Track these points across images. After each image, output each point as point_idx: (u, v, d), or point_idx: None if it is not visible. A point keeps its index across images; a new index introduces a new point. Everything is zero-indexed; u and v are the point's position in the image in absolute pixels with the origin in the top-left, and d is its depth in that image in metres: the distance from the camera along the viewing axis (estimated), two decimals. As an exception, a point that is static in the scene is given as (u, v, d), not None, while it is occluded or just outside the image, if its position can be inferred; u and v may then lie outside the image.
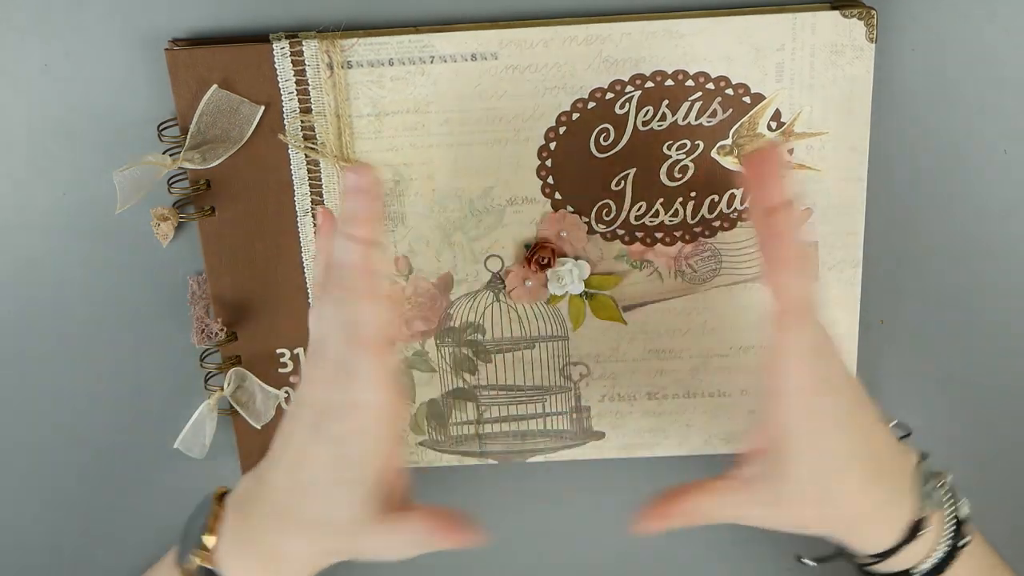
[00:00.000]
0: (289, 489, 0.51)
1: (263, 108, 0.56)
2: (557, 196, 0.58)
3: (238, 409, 0.61)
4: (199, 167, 0.57)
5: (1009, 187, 0.59)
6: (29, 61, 0.57)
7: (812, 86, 0.56)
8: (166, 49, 0.55)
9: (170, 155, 0.57)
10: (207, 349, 0.61)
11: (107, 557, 0.67)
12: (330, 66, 0.56)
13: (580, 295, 0.60)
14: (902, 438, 0.55)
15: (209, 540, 0.52)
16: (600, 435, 0.63)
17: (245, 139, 0.57)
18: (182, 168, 0.57)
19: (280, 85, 0.56)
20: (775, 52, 0.55)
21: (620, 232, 0.59)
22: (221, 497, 0.53)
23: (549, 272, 0.59)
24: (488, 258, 0.59)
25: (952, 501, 0.53)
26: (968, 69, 0.57)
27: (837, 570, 0.58)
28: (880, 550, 0.53)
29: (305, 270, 0.59)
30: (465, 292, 0.60)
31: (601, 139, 0.57)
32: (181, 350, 0.62)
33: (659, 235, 0.59)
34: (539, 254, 0.59)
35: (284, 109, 0.56)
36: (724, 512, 0.53)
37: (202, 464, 0.63)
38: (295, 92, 0.56)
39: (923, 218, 0.59)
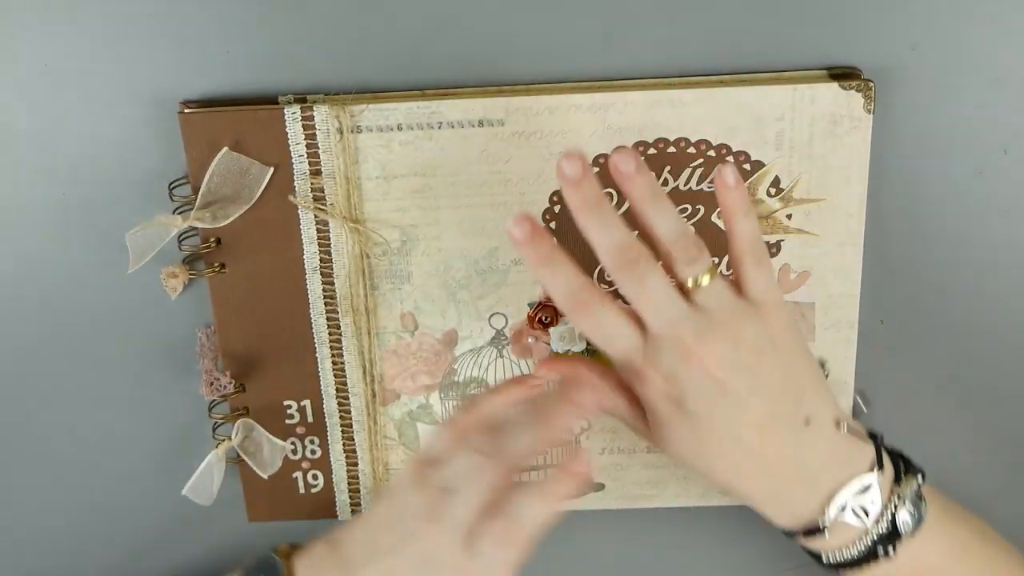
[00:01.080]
0: None
1: (272, 169, 0.57)
2: (560, 257, 0.59)
3: (245, 459, 0.63)
4: (209, 226, 0.58)
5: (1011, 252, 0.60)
6: (29, 61, 0.58)
7: (811, 155, 0.57)
8: (179, 112, 0.56)
9: (180, 213, 0.58)
10: (215, 400, 0.62)
11: (114, 599, 0.68)
12: (340, 131, 0.57)
13: (582, 352, 0.61)
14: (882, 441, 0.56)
15: None
16: (600, 486, 0.64)
17: (255, 199, 0.58)
18: (193, 227, 0.58)
19: (291, 148, 0.57)
20: (775, 122, 0.56)
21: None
22: (288, 557, 0.54)
23: (552, 331, 0.60)
24: (492, 316, 0.61)
25: (892, 513, 0.53)
26: (965, 140, 0.58)
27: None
28: (779, 527, 0.55)
29: (312, 326, 0.61)
30: (469, 348, 0.61)
31: (604, 203, 0.58)
32: (190, 399, 0.63)
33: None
34: (542, 313, 0.60)
35: (294, 171, 0.57)
36: (626, 423, 0.55)
37: (208, 511, 0.64)
38: (305, 155, 0.57)
39: (923, 218, 0.60)
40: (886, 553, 0.54)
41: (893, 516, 0.53)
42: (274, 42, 0.57)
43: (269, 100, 0.57)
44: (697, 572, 0.68)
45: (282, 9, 0.56)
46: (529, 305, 0.60)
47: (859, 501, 0.53)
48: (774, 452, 0.52)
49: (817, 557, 0.56)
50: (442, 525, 0.49)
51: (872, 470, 0.53)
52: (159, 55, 0.57)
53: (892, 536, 0.54)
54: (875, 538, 0.53)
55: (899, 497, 0.54)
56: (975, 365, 0.63)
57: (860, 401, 0.62)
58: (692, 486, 0.64)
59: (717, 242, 0.59)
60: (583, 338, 0.60)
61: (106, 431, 0.65)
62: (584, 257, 0.59)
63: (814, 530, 0.54)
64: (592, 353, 0.61)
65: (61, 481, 0.66)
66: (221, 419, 0.63)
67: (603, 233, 0.49)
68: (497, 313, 0.61)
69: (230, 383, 0.61)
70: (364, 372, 0.61)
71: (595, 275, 0.59)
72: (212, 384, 0.62)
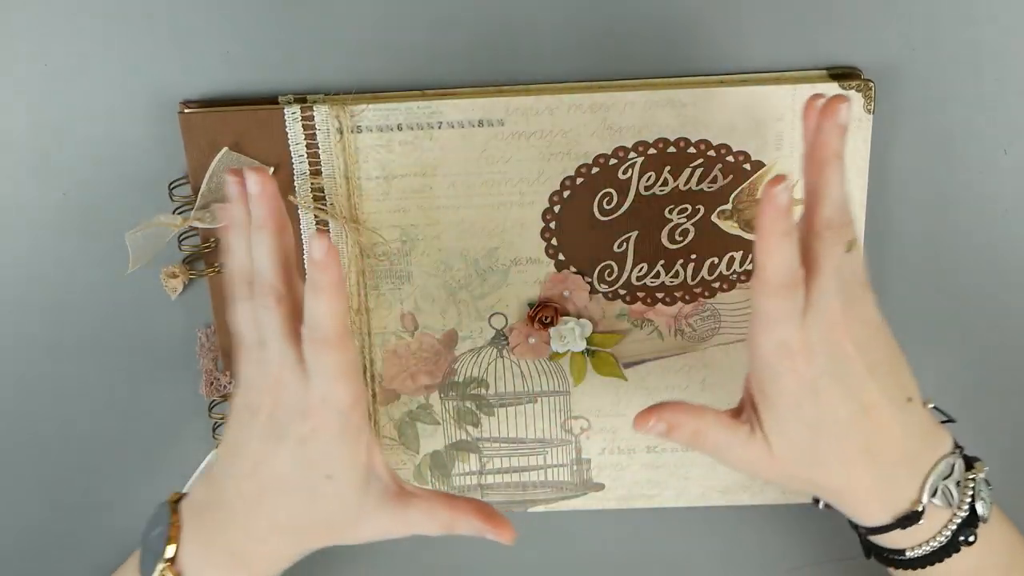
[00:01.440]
0: (254, 495, 0.51)
1: (272, 170, 0.57)
2: (560, 257, 0.59)
3: (245, 459, 0.63)
4: (209, 226, 0.58)
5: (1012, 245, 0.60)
6: (29, 61, 0.57)
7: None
8: (180, 113, 0.56)
9: (180, 213, 0.58)
10: (215, 400, 0.62)
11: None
12: (340, 131, 0.57)
13: (582, 352, 0.61)
14: (944, 422, 0.55)
15: (170, 549, 0.52)
16: (600, 487, 0.64)
17: (255, 199, 0.58)
18: (193, 227, 0.58)
19: (291, 148, 0.57)
20: (775, 122, 0.56)
21: (622, 292, 0.60)
22: (176, 503, 0.54)
23: (552, 330, 0.60)
24: (492, 316, 0.61)
25: (971, 498, 0.53)
26: (965, 140, 0.58)
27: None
28: (869, 525, 0.53)
29: (313, 326, 0.61)
30: (469, 348, 0.61)
31: (604, 203, 0.58)
32: (190, 399, 0.63)
33: (660, 295, 0.60)
34: (542, 313, 0.60)
35: (294, 171, 0.57)
36: (718, 443, 0.53)
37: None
38: (305, 155, 0.57)
39: (923, 218, 0.60)
40: (966, 540, 0.53)
41: (972, 501, 0.53)
42: (274, 42, 0.57)
43: (269, 100, 0.57)
44: (697, 572, 0.68)
45: (282, 9, 0.56)
46: (529, 305, 0.60)
47: (946, 484, 0.53)
48: (885, 433, 0.52)
49: (891, 561, 0.55)
50: (271, 371, 0.50)
51: (955, 451, 0.53)
52: (159, 55, 0.57)
53: (971, 523, 0.53)
54: (958, 524, 0.52)
55: (974, 481, 0.53)
56: (975, 364, 0.63)
57: None
58: (692, 486, 0.64)
59: (718, 242, 0.59)
60: (583, 337, 0.60)
61: (106, 431, 0.65)
62: (585, 256, 0.59)
63: (906, 520, 0.53)
64: (592, 353, 0.61)
65: (60, 480, 0.66)
66: (221, 419, 0.63)
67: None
68: (497, 313, 0.61)
69: (230, 383, 0.61)
70: (364, 372, 0.61)
71: (595, 275, 0.59)
72: (212, 384, 0.62)
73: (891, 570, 0.55)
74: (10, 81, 0.58)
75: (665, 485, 0.64)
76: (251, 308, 0.51)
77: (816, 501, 0.58)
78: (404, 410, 0.63)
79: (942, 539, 0.53)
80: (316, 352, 0.49)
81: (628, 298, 0.60)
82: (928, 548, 0.53)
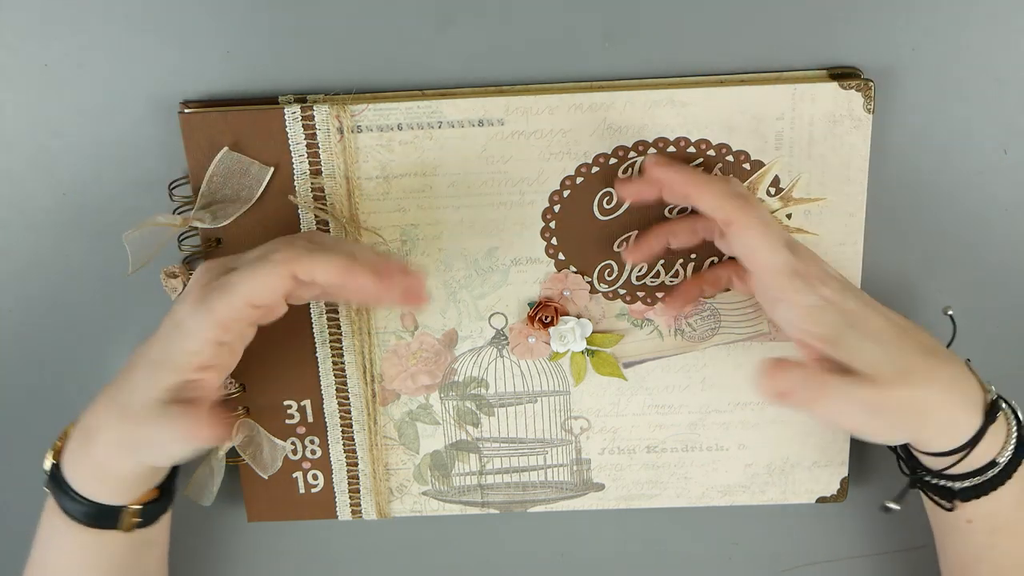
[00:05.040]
0: (117, 382, 0.55)
1: (273, 169, 0.57)
2: (560, 257, 0.59)
3: (246, 460, 0.63)
4: (209, 226, 0.58)
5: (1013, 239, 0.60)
6: (29, 61, 0.57)
7: (811, 154, 0.57)
8: (180, 113, 0.56)
9: (180, 213, 0.58)
10: (215, 400, 0.62)
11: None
12: (340, 130, 0.57)
13: (582, 352, 0.61)
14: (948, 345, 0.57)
15: (57, 445, 0.57)
16: (600, 487, 0.64)
17: (255, 199, 0.58)
18: (193, 227, 0.58)
19: (291, 148, 0.57)
20: (775, 121, 0.56)
21: (622, 292, 0.60)
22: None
23: (552, 330, 0.60)
24: (492, 316, 0.61)
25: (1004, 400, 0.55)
26: (965, 140, 0.58)
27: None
28: (968, 437, 0.53)
29: (312, 326, 0.61)
30: (469, 348, 0.61)
31: (604, 202, 0.58)
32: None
33: (660, 295, 0.60)
34: (542, 313, 0.60)
35: (295, 171, 0.57)
36: (840, 401, 0.52)
37: (208, 511, 0.64)
38: (305, 155, 0.57)
39: (923, 218, 0.60)
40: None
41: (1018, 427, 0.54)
42: (274, 42, 0.57)
43: (269, 100, 0.57)
44: (697, 572, 0.68)
45: (282, 9, 0.56)
46: (529, 305, 0.60)
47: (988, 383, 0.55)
48: (923, 332, 0.54)
49: (951, 493, 0.55)
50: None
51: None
52: (159, 55, 0.57)
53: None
54: (1017, 434, 0.54)
55: (1014, 409, 0.55)
56: (976, 364, 0.63)
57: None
58: (692, 486, 0.64)
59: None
60: (583, 337, 0.60)
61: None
62: (585, 256, 0.59)
63: (991, 412, 0.53)
64: (592, 353, 0.61)
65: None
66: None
67: None
68: (497, 313, 0.61)
69: (232, 382, 0.61)
70: (364, 372, 0.61)
71: (596, 274, 0.59)
72: (212, 384, 0.62)
73: (959, 511, 0.56)
74: (10, 81, 0.58)
75: (665, 485, 0.64)
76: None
77: (885, 508, 0.58)
78: (404, 410, 0.63)
79: (1015, 435, 0.54)
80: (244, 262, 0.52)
81: (628, 298, 0.60)
82: (1011, 449, 0.54)
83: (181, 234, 0.59)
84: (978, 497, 0.55)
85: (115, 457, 0.54)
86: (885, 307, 0.55)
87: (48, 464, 0.57)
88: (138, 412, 0.53)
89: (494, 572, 0.68)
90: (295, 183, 0.58)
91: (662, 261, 0.59)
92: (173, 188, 0.58)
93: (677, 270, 0.59)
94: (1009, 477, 0.54)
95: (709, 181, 0.54)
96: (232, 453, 0.63)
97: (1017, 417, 0.55)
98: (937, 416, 0.53)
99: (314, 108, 0.56)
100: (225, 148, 0.57)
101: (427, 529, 0.67)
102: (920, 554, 0.66)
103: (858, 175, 0.57)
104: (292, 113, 0.56)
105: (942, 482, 0.56)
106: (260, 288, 0.51)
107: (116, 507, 0.56)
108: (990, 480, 0.54)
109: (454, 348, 0.61)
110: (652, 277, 0.60)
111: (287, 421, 0.63)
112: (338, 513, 0.65)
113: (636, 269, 0.59)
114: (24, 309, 0.62)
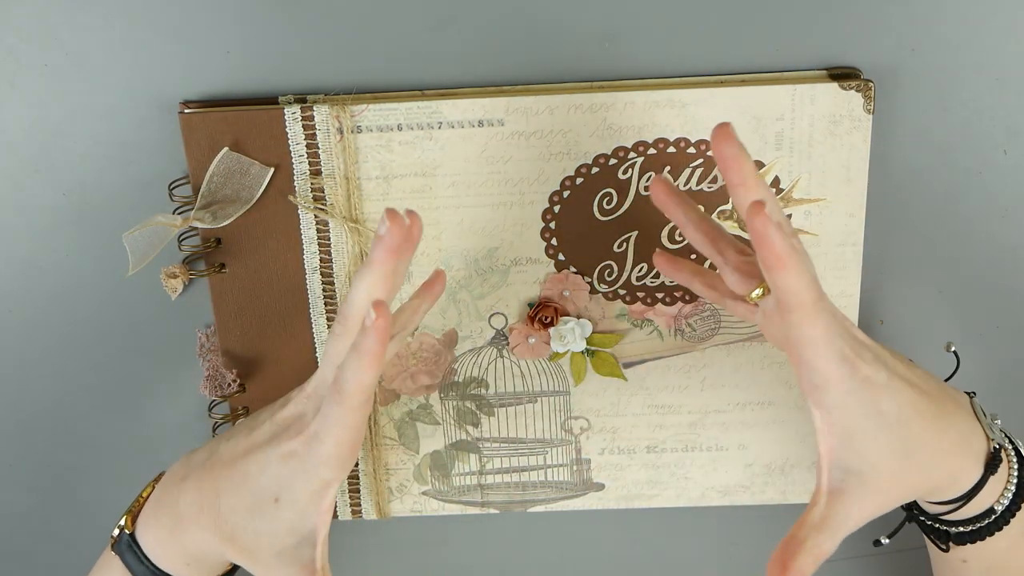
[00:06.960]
0: (224, 464, 0.52)
1: (273, 170, 0.57)
2: (560, 257, 0.59)
3: (245, 459, 0.63)
4: (209, 226, 0.58)
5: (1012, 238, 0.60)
6: (29, 61, 0.57)
7: (811, 155, 0.57)
8: (180, 113, 0.56)
9: (180, 213, 0.58)
10: (215, 400, 0.62)
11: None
12: (340, 131, 0.57)
13: (582, 352, 0.61)
14: (947, 379, 0.56)
15: (134, 508, 0.56)
16: (600, 486, 0.64)
17: (255, 199, 0.58)
18: (193, 227, 0.58)
19: (291, 148, 0.57)
20: (775, 122, 0.56)
21: (622, 292, 0.60)
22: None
23: (552, 330, 0.60)
24: (492, 316, 0.61)
25: (1007, 436, 0.54)
26: (965, 140, 0.58)
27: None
28: (967, 488, 0.52)
29: (312, 326, 0.61)
30: (469, 348, 0.61)
31: (604, 203, 0.58)
32: (190, 399, 0.63)
33: (660, 295, 0.60)
34: (542, 313, 0.60)
35: (295, 171, 0.57)
36: (849, 527, 0.51)
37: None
38: (305, 155, 0.57)
39: (923, 218, 0.60)
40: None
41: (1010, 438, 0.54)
42: (274, 42, 0.57)
43: (269, 100, 0.57)
44: (697, 572, 0.68)
45: (282, 9, 0.56)
46: (529, 305, 0.60)
47: (990, 419, 0.54)
48: (932, 381, 0.53)
49: (946, 535, 0.55)
50: (312, 381, 0.52)
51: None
52: (159, 55, 0.57)
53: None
54: (1016, 482, 0.53)
55: (1016, 449, 0.54)
56: (976, 364, 0.63)
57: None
58: (692, 486, 0.64)
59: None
60: (583, 337, 0.60)
61: (106, 431, 0.65)
62: (585, 256, 0.59)
63: (993, 462, 0.52)
64: (592, 353, 0.61)
65: (61, 481, 0.66)
66: (221, 419, 0.63)
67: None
68: (497, 313, 0.61)
69: (235, 381, 0.61)
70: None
71: (596, 274, 0.59)
72: (216, 383, 0.62)
73: (955, 552, 0.55)
74: (10, 81, 0.58)
75: (665, 485, 0.64)
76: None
77: (877, 543, 0.58)
78: (404, 410, 0.63)
79: (1015, 478, 0.53)
80: (331, 400, 0.49)
81: (628, 298, 0.60)
82: (1010, 493, 0.53)
83: (181, 234, 0.59)
84: (973, 542, 0.54)
85: (209, 554, 0.54)
86: (910, 374, 0.52)
87: (121, 530, 0.56)
88: (254, 553, 0.52)
89: (494, 572, 0.68)
90: (295, 183, 0.58)
91: (662, 261, 0.59)
92: (173, 188, 0.58)
93: (677, 270, 0.59)
94: (1007, 523, 0.53)
95: (802, 260, 0.47)
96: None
97: (1019, 456, 0.54)
98: (938, 475, 0.52)
99: (314, 108, 0.56)
100: (225, 148, 0.57)
101: (427, 529, 0.67)
102: (918, 554, 0.66)
103: (858, 175, 0.57)
104: (292, 113, 0.56)
105: (938, 524, 0.55)
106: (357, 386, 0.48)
107: None
108: (986, 526, 0.54)
109: (454, 348, 0.61)
110: (652, 277, 0.60)
111: (287, 421, 0.62)
112: (338, 513, 0.65)
113: (636, 269, 0.59)
114: (24, 309, 0.62)
